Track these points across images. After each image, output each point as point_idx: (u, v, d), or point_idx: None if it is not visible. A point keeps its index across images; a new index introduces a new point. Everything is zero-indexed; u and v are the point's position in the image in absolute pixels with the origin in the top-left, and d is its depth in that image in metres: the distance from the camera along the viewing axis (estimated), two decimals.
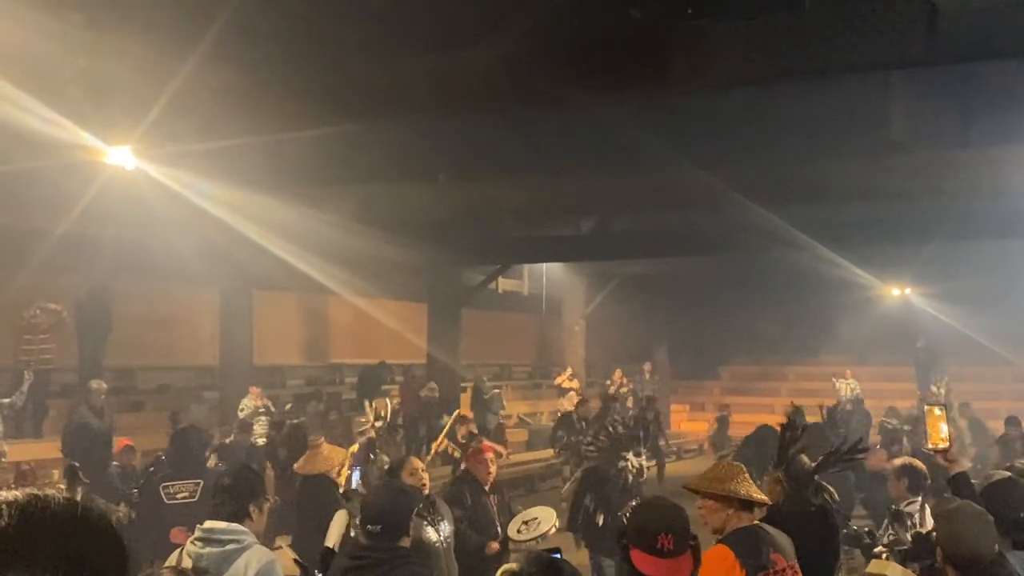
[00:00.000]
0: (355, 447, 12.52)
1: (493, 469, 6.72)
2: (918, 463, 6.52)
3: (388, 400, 15.00)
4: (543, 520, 6.52)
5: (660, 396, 24.17)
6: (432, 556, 5.42)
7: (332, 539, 4.64)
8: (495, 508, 6.62)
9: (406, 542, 3.82)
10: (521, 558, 4.12)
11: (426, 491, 5.76)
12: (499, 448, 7.04)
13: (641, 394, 22.45)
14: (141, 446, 11.62)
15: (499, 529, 6.47)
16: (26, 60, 7.14)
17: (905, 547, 5.15)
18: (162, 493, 6.71)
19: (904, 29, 6.30)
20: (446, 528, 5.80)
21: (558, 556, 3.44)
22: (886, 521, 6.27)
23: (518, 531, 6.45)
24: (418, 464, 5.98)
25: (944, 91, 9.92)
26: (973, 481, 4.71)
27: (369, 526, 3.76)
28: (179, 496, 6.68)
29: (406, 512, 3.86)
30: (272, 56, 7.72)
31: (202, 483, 6.68)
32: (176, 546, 4.66)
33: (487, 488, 6.65)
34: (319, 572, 4.41)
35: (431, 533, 5.59)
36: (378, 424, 13.09)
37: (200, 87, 7.58)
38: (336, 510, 6.62)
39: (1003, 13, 6.27)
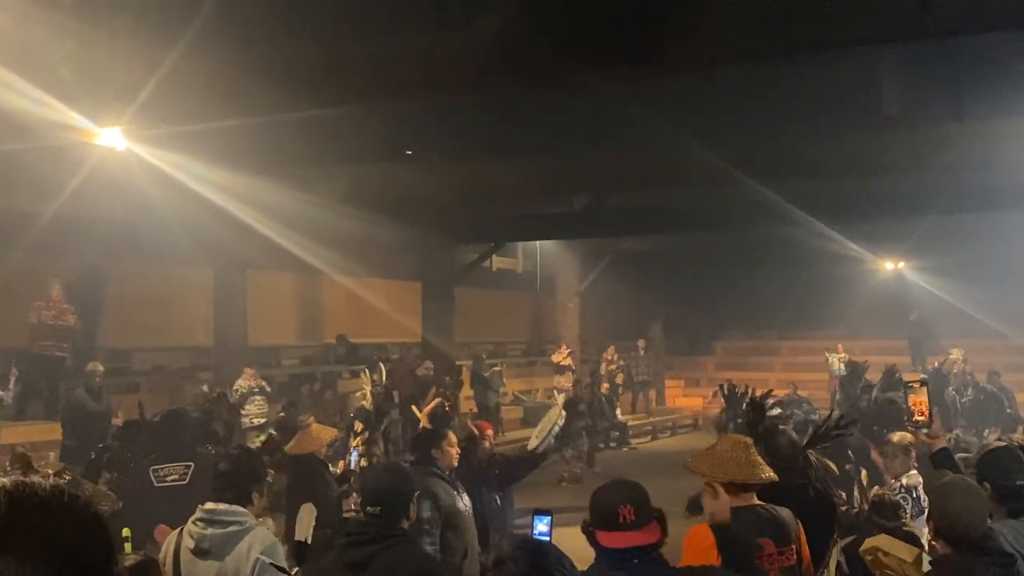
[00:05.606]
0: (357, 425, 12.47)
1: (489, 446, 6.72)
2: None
3: (382, 365, 14.96)
4: (549, 417, 7.00)
5: (655, 372, 24.30)
6: (465, 524, 5.47)
7: (303, 532, 4.58)
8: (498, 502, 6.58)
9: (405, 524, 3.72)
10: (509, 543, 4.10)
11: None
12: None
13: (635, 370, 22.55)
14: None
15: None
16: (16, 42, 7.09)
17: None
18: (151, 476, 6.54)
19: (897, 3, 6.29)
20: (467, 498, 5.80)
21: (547, 538, 3.43)
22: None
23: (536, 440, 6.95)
24: (454, 439, 5.91)
25: (937, 65, 9.89)
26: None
27: (369, 508, 3.68)
28: (169, 479, 6.48)
29: (407, 495, 3.75)
30: (264, 37, 7.68)
31: (193, 466, 6.47)
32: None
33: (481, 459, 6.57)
34: (295, 564, 4.36)
35: (460, 503, 5.57)
36: (375, 388, 13.13)
37: (190, 68, 7.54)
38: (325, 490, 6.60)
39: None
